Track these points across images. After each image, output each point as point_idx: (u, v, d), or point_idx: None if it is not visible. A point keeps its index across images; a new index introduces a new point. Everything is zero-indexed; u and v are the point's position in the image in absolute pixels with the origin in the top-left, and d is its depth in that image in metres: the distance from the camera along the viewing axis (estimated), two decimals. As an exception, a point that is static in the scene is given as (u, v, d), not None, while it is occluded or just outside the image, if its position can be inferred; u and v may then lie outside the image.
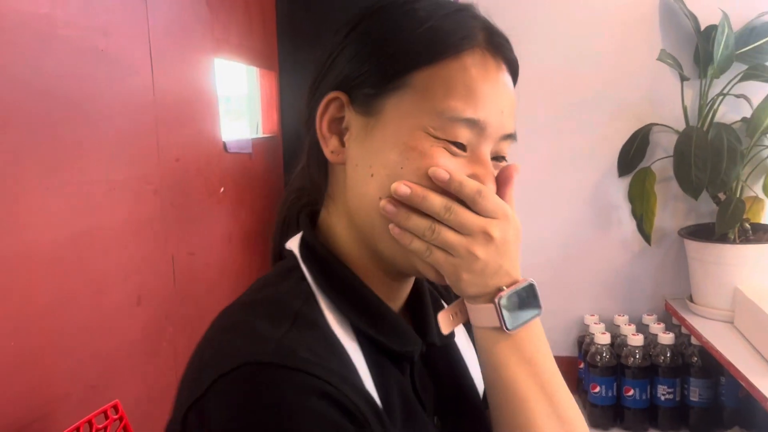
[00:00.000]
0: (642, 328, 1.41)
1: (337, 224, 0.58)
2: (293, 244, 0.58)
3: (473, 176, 0.53)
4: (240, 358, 0.45)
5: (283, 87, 2.90)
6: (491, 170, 0.54)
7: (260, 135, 2.66)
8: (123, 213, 1.47)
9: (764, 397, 0.99)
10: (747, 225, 1.32)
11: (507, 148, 0.57)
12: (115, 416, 1.03)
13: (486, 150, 0.54)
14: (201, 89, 2.00)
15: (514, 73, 0.58)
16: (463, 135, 0.52)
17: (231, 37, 2.23)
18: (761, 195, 1.37)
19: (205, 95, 2.03)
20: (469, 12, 0.57)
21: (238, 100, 2.77)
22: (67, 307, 1.13)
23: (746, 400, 1.29)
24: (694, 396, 1.32)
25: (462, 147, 0.52)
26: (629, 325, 1.40)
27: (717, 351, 1.20)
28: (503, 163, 0.57)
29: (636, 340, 1.34)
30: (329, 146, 0.56)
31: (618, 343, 1.39)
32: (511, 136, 0.56)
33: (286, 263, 0.57)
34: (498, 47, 0.55)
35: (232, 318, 0.52)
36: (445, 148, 0.52)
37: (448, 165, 0.52)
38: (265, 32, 2.75)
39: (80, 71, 1.19)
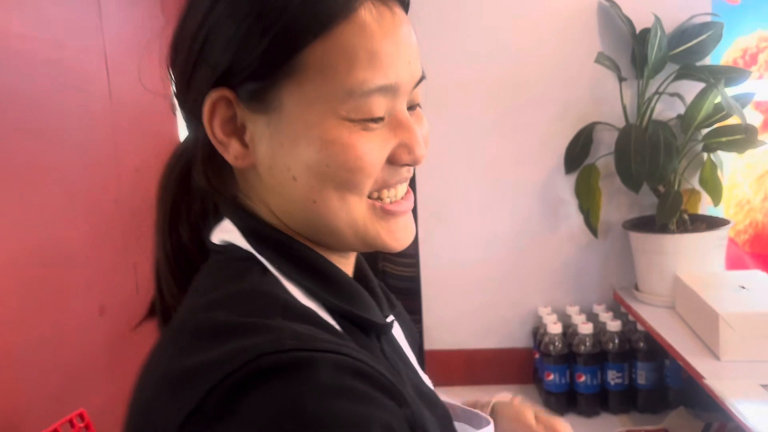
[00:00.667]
0: (592, 317, 1.48)
1: (268, 219, 0.54)
2: (230, 236, 0.53)
3: (401, 144, 0.50)
4: (250, 351, 0.39)
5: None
6: (413, 127, 0.51)
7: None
8: (83, 224, 1.47)
9: (698, 373, 1.06)
10: (685, 216, 1.40)
11: (419, 92, 0.53)
12: (81, 424, 1.05)
13: (403, 108, 0.51)
14: (158, 99, 2.00)
15: (406, 6, 0.52)
16: (379, 106, 0.48)
17: (187, 46, 2.23)
18: (698, 187, 1.45)
19: (161, 104, 2.03)
20: None
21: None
22: (30, 319, 1.14)
23: (689, 381, 1.37)
24: (642, 379, 1.40)
25: (380, 120, 0.49)
26: (580, 314, 1.46)
27: (660, 336, 1.27)
28: (418, 109, 0.54)
29: (586, 328, 1.41)
30: (231, 152, 0.51)
31: (570, 332, 1.46)
32: (421, 79, 0.52)
33: (230, 256, 0.52)
34: None
35: (206, 321, 0.45)
36: (363, 129, 0.48)
37: (372, 148, 0.49)
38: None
39: (35, 84, 1.20)
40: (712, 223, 1.40)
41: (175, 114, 0.59)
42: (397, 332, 0.65)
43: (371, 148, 0.48)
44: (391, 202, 0.53)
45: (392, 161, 0.51)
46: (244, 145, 0.51)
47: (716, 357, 1.11)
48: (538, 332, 1.51)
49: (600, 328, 1.44)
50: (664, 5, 1.42)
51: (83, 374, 1.30)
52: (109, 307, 1.53)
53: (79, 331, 1.35)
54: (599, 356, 1.41)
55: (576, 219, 1.53)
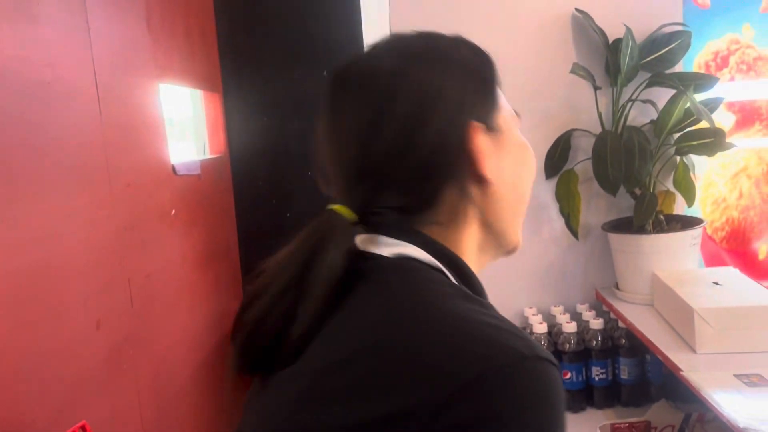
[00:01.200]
0: (576, 316, 1.53)
1: (463, 240, 0.61)
2: (409, 250, 0.56)
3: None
4: (514, 352, 0.44)
5: (227, 108, 2.94)
6: None
7: (207, 156, 2.70)
8: (79, 240, 1.50)
9: (676, 366, 1.12)
10: (661, 217, 1.46)
11: None
12: (85, 435, 1.07)
13: None
14: (147, 114, 2.04)
15: None
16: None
17: (174, 63, 2.28)
18: (672, 189, 1.52)
19: (151, 120, 2.07)
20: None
21: (183, 122, 2.80)
22: (28, 335, 1.16)
23: (670, 375, 1.42)
24: (624, 374, 1.45)
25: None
26: (564, 314, 1.52)
27: (640, 332, 1.32)
28: None
29: (570, 327, 1.46)
30: (486, 166, 0.60)
31: (554, 331, 1.51)
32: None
33: (417, 265, 0.56)
34: None
35: (448, 314, 0.49)
36: None
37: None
38: (207, 56, 2.79)
39: (28, 104, 1.24)
40: (687, 223, 1.46)
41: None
42: None
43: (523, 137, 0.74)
44: None
45: None
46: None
47: (693, 350, 1.17)
48: (524, 333, 1.56)
49: (583, 327, 1.49)
50: (635, 16, 1.49)
51: (84, 387, 1.33)
52: (105, 321, 1.55)
53: (77, 345, 1.38)
54: (583, 354, 1.46)
55: (557, 222, 1.59)
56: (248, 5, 2.85)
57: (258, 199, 3.11)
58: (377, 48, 0.64)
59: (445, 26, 1.56)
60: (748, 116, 2.97)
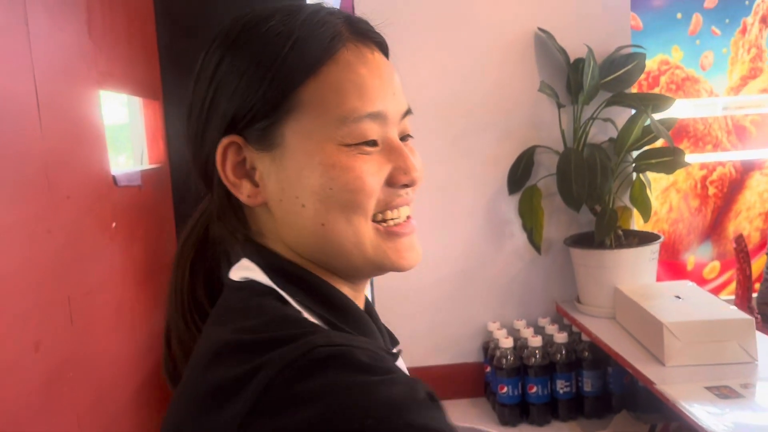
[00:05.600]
0: (539, 330, 1.55)
1: (283, 253, 0.57)
2: (250, 273, 0.55)
3: (396, 168, 0.55)
4: (304, 346, 0.44)
5: (168, 116, 2.83)
6: (406, 152, 0.56)
7: (147, 166, 2.58)
8: (16, 256, 1.41)
9: (648, 380, 1.15)
10: (619, 232, 1.51)
11: (408, 124, 0.59)
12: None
13: (394, 135, 0.56)
14: (88, 123, 1.92)
15: (386, 51, 0.59)
16: (372, 131, 0.54)
17: (115, 69, 2.17)
18: (629, 204, 1.57)
19: (92, 129, 1.96)
20: (324, 10, 0.56)
21: (120, 131, 2.67)
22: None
23: (630, 386, 1.47)
24: (588, 386, 1.48)
25: (374, 143, 0.54)
26: (528, 328, 1.53)
27: (604, 344, 1.35)
28: (409, 141, 0.60)
29: (535, 341, 1.47)
30: (243, 192, 0.55)
31: (519, 345, 1.52)
32: (408, 112, 0.59)
33: (251, 291, 0.54)
34: (365, 33, 0.57)
35: (247, 339, 0.47)
36: (359, 153, 0.53)
37: (370, 170, 0.53)
38: (147, 62, 2.68)
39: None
40: (644, 238, 1.51)
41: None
42: (401, 365, 0.67)
43: (368, 169, 0.54)
44: (395, 225, 0.57)
45: (390, 183, 0.56)
46: (255, 184, 0.55)
47: (661, 363, 1.21)
48: (489, 347, 1.56)
49: (547, 340, 1.51)
50: (594, 37, 1.54)
51: (21, 414, 1.24)
52: (44, 343, 1.44)
53: (15, 369, 1.28)
54: (548, 367, 1.48)
55: (520, 237, 1.61)
56: (190, 11, 2.76)
57: (199, 210, 3.00)
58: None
59: (411, 44, 1.56)
60: (676, 134, 3.16)
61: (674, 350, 1.19)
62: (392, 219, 0.57)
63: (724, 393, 1.08)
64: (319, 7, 0.57)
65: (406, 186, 0.57)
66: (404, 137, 0.59)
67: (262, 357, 0.44)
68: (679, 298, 1.32)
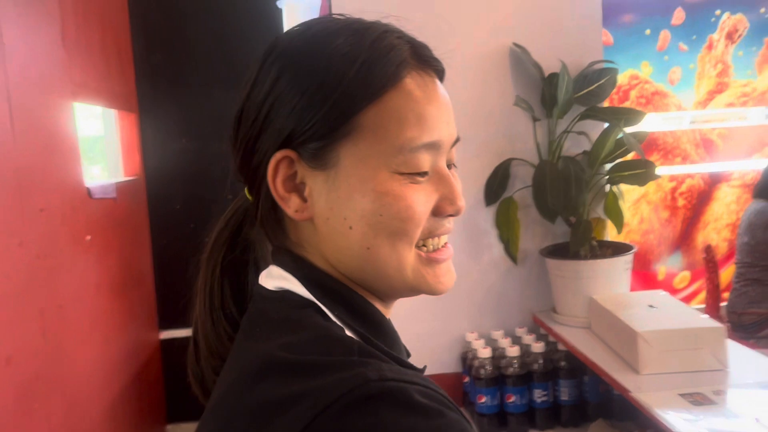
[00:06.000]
0: (516, 340, 1.57)
1: (322, 267, 0.57)
2: (286, 284, 0.56)
3: (443, 197, 0.56)
4: (358, 378, 0.44)
5: (143, 128, 2.80)
6: (453, 182, 0.57)
7: (122, 178, 2.54)
8: (-12, 270, 1.37)
9: (624, 388, 1.17)
10: (594, 242, 1.54)
11: (454, 151, 0.60)
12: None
13: (443, 165, 0.57)
14: (62, 135, 1.90)
15: (442, 77, 0.60)
16: (425, 161, 0.55)
17: (89, 81, 2.15)
18: (603, 216, 1.60)
19: (66, 141, 1.93)
20: (392, 33, 0.56)
21: (95, 143, 2.64)
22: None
23: (606, 394, 1.49)
24: (564, 395, 1.50)
25: (425, 174, 0.55)
26: (505, 338, 1.55)
27: (580, 353, 1.38)
28: (453, 168, 0.61)
29: (513, 351, 1.49)
30: (291, 206, 0.56)
31: (497, 355, 1.54)
32: (457, 140, 0.60)
33: (289, 303, 0.55)
34: (427, 60, 0.57)
35: (294, 360, 0.48)
36: (411, 183, 0.54)
37: (420, 200, 0.54)
38: (122, 74, 2.66)
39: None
40: (618, 249, 1.54)
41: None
42: None
43: (419, 199, 0.54)
44: (434, 250, 0.58)
45: (436, 213, 0.57)
46: (303, 199, 0.56)
47: (636, 371, 1.23)
48: (467, 357, 1.57)
49: (525, 350, 1.53)
50: (568, 52, 1.57)
51: None
52: (15, 357, 1.41)
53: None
54: (526, 377, 1.50)
55: (497, 248, 1.63)
56: (166, 23, 2.75)
57: (175, 223, 2.98)
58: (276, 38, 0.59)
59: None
60: (647, 147, 3.24)
61: (648, 358, 1.21)
62: (432, 245, 0.58)
63: (697, 400, 1.10)
64: (386, 28, 0.57)
65: (451, 215, 0.58)
66: (449, 165, 0.60)
67: (311, 382, 0.45)
68: (653, 307, 1.35)
